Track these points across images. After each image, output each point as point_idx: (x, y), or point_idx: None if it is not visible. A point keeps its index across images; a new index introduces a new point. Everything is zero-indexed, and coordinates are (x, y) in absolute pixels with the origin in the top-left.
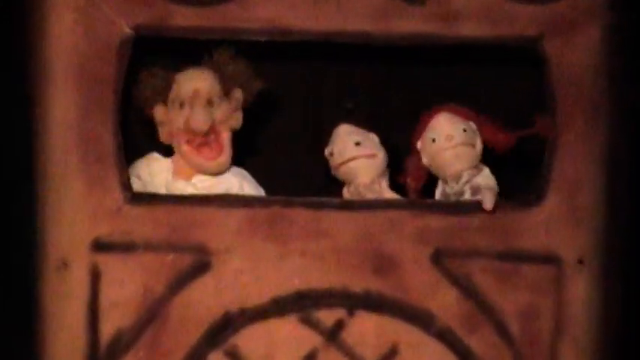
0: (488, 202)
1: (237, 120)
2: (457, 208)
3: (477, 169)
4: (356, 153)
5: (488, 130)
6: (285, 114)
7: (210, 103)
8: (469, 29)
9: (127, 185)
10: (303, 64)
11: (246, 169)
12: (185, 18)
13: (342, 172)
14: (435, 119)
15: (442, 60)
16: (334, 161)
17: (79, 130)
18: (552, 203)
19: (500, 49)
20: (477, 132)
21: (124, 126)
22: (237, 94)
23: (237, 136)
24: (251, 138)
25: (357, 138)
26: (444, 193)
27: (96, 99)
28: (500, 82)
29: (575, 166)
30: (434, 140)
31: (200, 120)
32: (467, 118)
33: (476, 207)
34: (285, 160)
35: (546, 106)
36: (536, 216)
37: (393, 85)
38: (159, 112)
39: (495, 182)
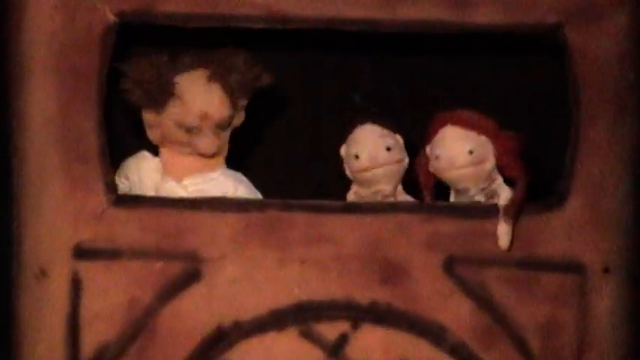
0: (503, 241)
1: (239, 119)
2: (471, 211)
3: (488, 180)
4: (388, 159)
5: (498, 148)
6: (281, 109)
7: (219, 126)
8: (482, 16)
9: (111, 187)
10: (301, 55)
11: (240, 169)
12: (174, 4)
13: (364, 177)
14: (442, 133)
15: (453, 49)
16: (359, 165)
17: (60, 126)
18: (575, 206)
19: (516, 38)
20: (489, 144)
21: (109, 122)
22: (244, 102)
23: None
24: (245, 136)
25: (389, 142)
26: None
27: (77, 92)
28: (516, 75)
29: (601, 165)
30: (437, 157)
31: (209, 146)
32: (480, 131)
33: (491, 210)
34: (282, 160)
35: (568, 100)
36: (557, 220)
37: (399, 78)
38: (149, 117)
39: (510, 193)
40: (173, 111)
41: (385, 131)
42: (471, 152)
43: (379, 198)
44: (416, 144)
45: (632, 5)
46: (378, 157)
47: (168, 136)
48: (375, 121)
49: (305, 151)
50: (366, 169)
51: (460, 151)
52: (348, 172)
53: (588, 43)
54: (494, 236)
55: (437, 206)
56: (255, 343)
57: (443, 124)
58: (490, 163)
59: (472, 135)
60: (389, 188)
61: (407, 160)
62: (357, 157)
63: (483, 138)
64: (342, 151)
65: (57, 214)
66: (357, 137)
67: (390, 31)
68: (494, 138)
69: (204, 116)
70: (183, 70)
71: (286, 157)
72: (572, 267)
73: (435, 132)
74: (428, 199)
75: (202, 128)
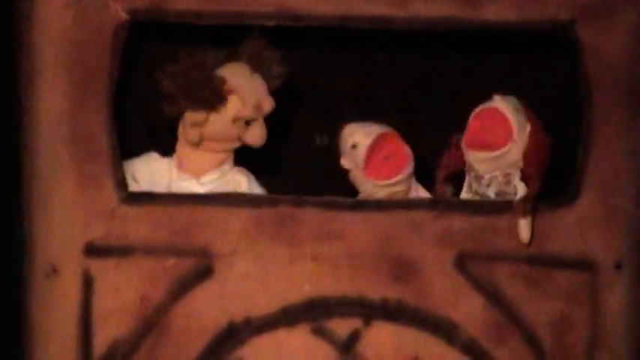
0: (524, 234)
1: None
2: (483, 208)
3: (506, 177)
4: (380, 129)
5: (532, 142)
6: (294, 106)
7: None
8: (494, 13)
9: (122, 184)
10: (314, 53)
11: (253, 166)
12: (185, 1)
13: (384, 192)
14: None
15: (466, 47)
16: (360, 150)
17: (70, 124)
18: (587, 203)
19: (529, 35)
20: (526, 137)
21: (119, 120)
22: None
23: None
24: None
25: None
26: (469, 184)
27: (88, 90)
28: (529, 71)
29: (612, 162)
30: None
31: (263, 137)
32: (529, 117)
33: (503, 207)
34: (294, 156)
35: (580, 97)
36: (569, 217)
37: (412, 74)
38: (197, 117)
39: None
40: (232, 107)
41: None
42: (516, 109)
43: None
44: (430, 139)
45: None
46: (371, 132)
47: (215, 135)
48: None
49: (317, 147)
50: (373, 167)
51: (504, 102)
52: (359, 182)
53: (600, 40)
54: (505, 233)
55: (448, 203)
56: (266, 339)
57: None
58: (514, 155)
59: (519, 110)
60: (406, 188)
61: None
62: (354, 146)
63: (529, 126)
64: (344, 162)
65: (68, 212)
66: (345, 135)
67: (403, 28)
68: (534, 133)
69: (258, 107)
70: (218, 65)
71: (298, 153)
72: (584, 264)
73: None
74: (440, 179)
75: (257, 119)
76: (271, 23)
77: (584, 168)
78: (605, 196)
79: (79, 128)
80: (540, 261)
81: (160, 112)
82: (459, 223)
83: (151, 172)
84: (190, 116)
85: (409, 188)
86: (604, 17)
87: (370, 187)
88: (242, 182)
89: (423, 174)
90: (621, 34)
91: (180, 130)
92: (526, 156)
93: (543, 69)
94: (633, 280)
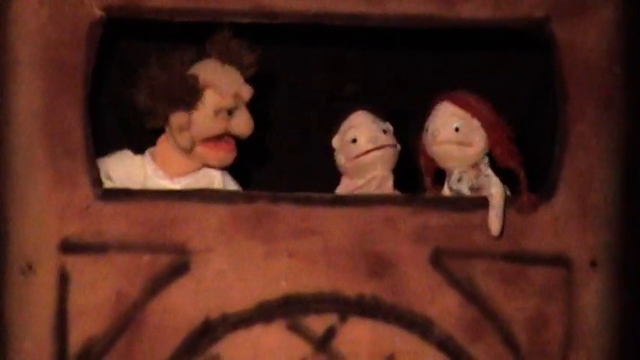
0: (494, 226)
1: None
2: (459, 204)
3: (475, 169)
4: (386, 141)
5: (492, 137)
6: (269, 104)
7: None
8: (470, 10)
9: (97, 181)
10: (289, 50)
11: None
12: None
13: (362, 162)
14: (437, 107)
15: (441, 44)
16: (358, 148)
17: (45, 121)
18: (562, 200)
19: (504, 33)
20: (480, 130)
21: (94, 117)
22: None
23: None
24: None
25: (383, 125)
26: (447, 180)
27: (63, 87)
28: (504, 69)
29: (588, 159)
30: (426, 130)
31: (249, 124)
32: (473, 113)
33: (479, 203)
34: (270, 153)
35: (556, 94)
36: (544, 214)
37: (388, 73)
38: (181, 120)
39: (500, 187)
40: (210, 100)
41: (373, 116)
42: (457, 129)
43: (373, 186)
44: (404, 138)
45: None
46: (378, 139)
47: (202, 133)
48: (365, 109)
49: (293, 144)
50: (365, 153)
51: (446, 125)
52: (341, 163)
53: (575, 37)
54: (481, 229)
55: (424, 199)
56: (242, 336)
57: (441, 101)
58: (477, 148)
59: (464, 115)
60: (385, 173)
61: (399, 146)
62: (354, 141)
63: (475, 122)
64: (335, 141)
65: (43, 209)
66: (353, 123)
67: (378, 25)
68: (489, 126)
69: (237, 96)
70: (191, 63)
71: (274, 150)
72: (560, 260)
73: (433, 107)
74: (429, 184)
75: (238, 108)
76: (247, 20)
77: (560, 165)
78: (580, 193)
79: (54, 125)
80: (516, 258)
81: (133, 108)
82: (435, 219)
83: (126, 170)
84: (175, 120)
85: (386, 179)
86: (579, 14)
87: (344, 161)
88: (216, 177)
89: (398, 171)
90: (596, 31)
91: (169, 135)
92: (494, 146)
93: (518, 66)
94: (608, 279)
